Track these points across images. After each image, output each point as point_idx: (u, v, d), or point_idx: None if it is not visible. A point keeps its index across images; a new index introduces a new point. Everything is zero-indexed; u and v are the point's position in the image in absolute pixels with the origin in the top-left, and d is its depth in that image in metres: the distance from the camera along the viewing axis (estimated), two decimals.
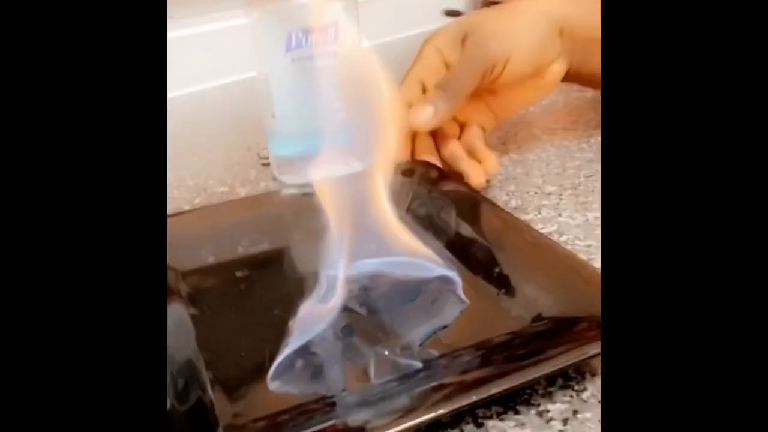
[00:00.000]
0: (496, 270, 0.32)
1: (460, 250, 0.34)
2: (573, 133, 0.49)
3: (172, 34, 0.54)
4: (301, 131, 0.43)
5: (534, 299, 0.29)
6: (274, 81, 0.43)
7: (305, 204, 0.36)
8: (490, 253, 0.33)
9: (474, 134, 0.42)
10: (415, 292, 0.30)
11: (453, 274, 0.30)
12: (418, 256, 0.30)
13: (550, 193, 0.40)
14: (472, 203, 0.37)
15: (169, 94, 0.51)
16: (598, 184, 0.41)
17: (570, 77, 0.44)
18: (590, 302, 0.27)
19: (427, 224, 0.36)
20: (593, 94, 0.54)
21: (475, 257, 0.33)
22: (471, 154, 0.41)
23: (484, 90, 0.42)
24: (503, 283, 0.31)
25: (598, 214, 0.38)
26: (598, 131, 0.48)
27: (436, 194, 0.38)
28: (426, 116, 0.39)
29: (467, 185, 0.39)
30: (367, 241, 0.30)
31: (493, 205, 0.36)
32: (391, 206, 0.30)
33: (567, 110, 0.54)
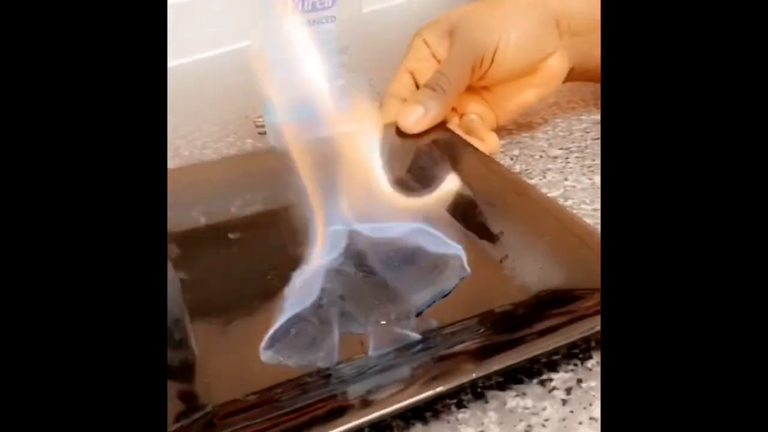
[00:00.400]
0: (500, 235, 0.31)
1: (462, 212, 0.33)
2: (580, 94, 0.47)
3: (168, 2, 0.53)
4: (298, 98, 0.42)
5: (538, 268, 0.28)
6: (271, 47, 0.42)
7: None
8: (494, 217, 0.32)
9: (471, 118, 0.41)
10: (415, 258, 0.29)
11: (456, 246, 0.29)
12: (421, 222, 0.29)
13: (555, 157, 0.39)
14: (478, 164, 0.35)
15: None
16: None
17: (575, 75, 0.42)
18: (595, 273, 0.26)
19: (429, 184, 0.35)
20: None
21: (479, 221, 0.32)
22: (470, 134, 0.39)
23: (481, 87, 0.40)
24: (506, 250, 0.30)
25: None
26: None
27: (440, 154, 0.37)
28: (416, 117, 0.37)
29: (473, 146, 0.37)
30: (368, 204, 0.30)
31: (500, 166, 0.35)
32: (383, 169, 0.29)
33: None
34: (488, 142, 0.39)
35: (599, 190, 0.35)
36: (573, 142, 0.40)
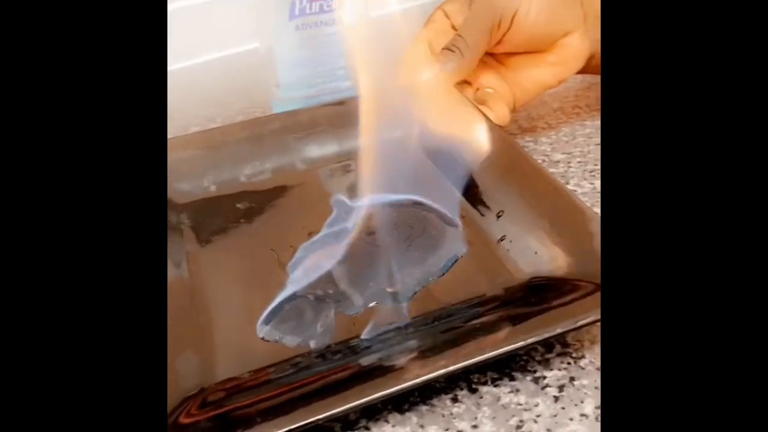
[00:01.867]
0: (500, 214, 0.31)
1: (467, 186, 0.33)
2: (585, 100, 0.48)
3: (172, 6, 0.54)
4: (305, 100, 0.43)
5: (533, 252, 0.29)
6: (278, 49, 0.43)
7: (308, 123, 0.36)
8: (497, 194, 0.32)
9: (486, 91, 0.40)
10: (415, 233, 0.30)
11: (456, 222, 0.29)
12: (426, 196, 0.30)
13: (558, 161, 0.40)
14: (492, 139, 0.35)
15: (171, 67, 0.51)
16: None
17: (593, 67, 0.41)
18: (591, 262, 0.26)
19: (439, 157, 0.35)
20: None
21: (482, 197, 0.32)
22: (482, 104, 0.39)
23: (497, 63, 0.41)
24: (505, 230, 0.30)
25: None
26: None
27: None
28: (431, 77, 0.37)
29: (490, 120, 0.37)
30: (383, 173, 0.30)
31: (512, 142, 0.35)
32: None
33: (579, 77, 0.53)
34: (497, 113, 0.39)
35: (599, 194, 0.36)
36: (576, 147, 0.41)
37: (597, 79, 0.51)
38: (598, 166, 0.39)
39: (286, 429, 0.21)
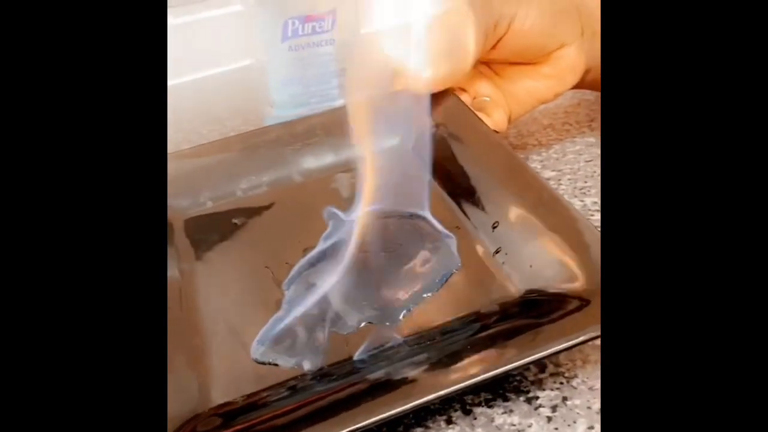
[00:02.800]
0: (496, 225, 0.31)
1: (463, 195, 0.33)
2: (575, 116, 0.48)
3: (168, 23, 0.54)
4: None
5: (528, 266, 0.28)
6: (271, 69, 0.43)
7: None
8: (493, 204, 0.32)
9: (483, 100, 0.40)
10: (409, 247, 0.30)
11: (449, 236, 0.29)
12: (421, 208, 0.30)
13: (548, 179, 0.40)
14: (488, 146, 0.35)
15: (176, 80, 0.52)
16: (597, 169, 0.40)
17: (589, 81, 0.42)
18: (587, 276, 0.26)
19: (433, 164, 0.34)
20: None
21: (478, 207, 0.32)
22: (479, 111, 0.40)
23: (493, 73, 0.41)
24: (500, 242, 0.30)
25: (596, 199, 0.37)
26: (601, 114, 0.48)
27: (447, 131, 0.37)
28: (425, 79, 0.37)
29: (487, 126, 0.36)
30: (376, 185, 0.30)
31: (508, 150, 0.34)
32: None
33: (569, 93, 0.53)
34: (494, 118, 0.39)
35: (590, 212, 0.36)
36: (566, 164, 0.41)
37: (587, 94, 0.52)
38: (589, 183, 0.39)
39: None
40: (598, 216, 0.36)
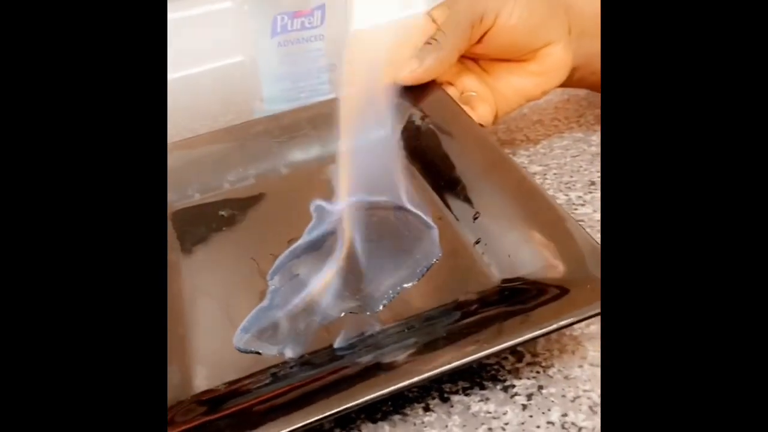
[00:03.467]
0: (476, 215, 0.31)
1: (446, 187, 0.34)
2: (564, 112, 0.49)
3: (180, 13, 0.55)
4: None
5: (508, 255, 0.29)
6: (261, 65, 0.44)
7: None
8: (475, 195, 0.32)
9: (470, 95, 0.41)
10: (392, 237, 0.30)
11: (431, 225, 0.30)
12: (404, 199, 0.31)
13: (534, 173, 0.40)
14: (473, 139, 0.35)
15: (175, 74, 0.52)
16: (583, 164, 0.41)
17: (577, 79, 0.42)
18: (563, 266, 0.26)
19: (418, 155, 0.36)
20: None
21: (459, 199, 0.33)
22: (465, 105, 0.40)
23: (480, 69, 0.42)
24: (481, 232, 0.31)
25: (581, 194, 0.38)
26: (590, 110, 0.48)
27: (433, 123, 0.37)
28: (410, 70, 0.38)
29: (471, 119, 0.37)
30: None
31: (491, 143, 0.35)
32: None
33: (559, 90, 0.54)
34: (480, 112, 0.39)
35: (574, 206, 0.37)
36: (552, 159, 0.42)
37: (576, 91, 0.52)
38: (573, 178, 0.39)
39: None
40: (581, 210, 0.37)
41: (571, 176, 0.40)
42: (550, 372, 0.26)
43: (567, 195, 0.38)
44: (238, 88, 0.50)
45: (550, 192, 0.38)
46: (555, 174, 0.40)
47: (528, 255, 0.28)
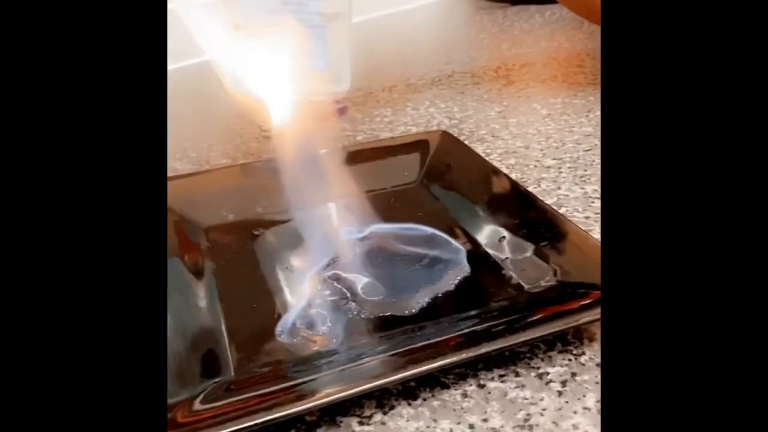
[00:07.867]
0: (502, 241, 0.33)
1: (468, 222, 0.35)
2: (572, 107, 0.50)
3: (171, 4, 0.54)
4: None
5: (535, 269, 0.30)
6: (226, 60, 0.43)
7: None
8: (498, 225, 0.34)
9: None
10: (417, 259, 0.31)
11: (456, 242, 0.31)
12: (430, 228, 0.32)
13: (549, 167, 0.41)
14: (485, 175, 0.37)
15: (168, 67, 0.52)
16: (596, 158, 0.42)
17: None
18: (589, 272, 0.28)
19: (439, 196, 0.37)
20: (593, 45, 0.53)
21: (483, 229, 0.34)
22: None
23: None
24: (506, 253, 0.32)
25: (596, 187, 0.38)
26: (597, 106, 0.49)
27: (449, 165, 0.39)
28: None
29: (480, 156, 0.40)
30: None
31: (504, 175, 0.37)
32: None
33: (566, 85, 0.55)
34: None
35: (590, 199, 0.37)
36: (566, 153, 0.43)
37: (584, 88, 0.53)
38: (588, 171, 0.40)
39: (298, 409, 0.22)
40: (598, 204, 0.37)
41: (585, 170, 0.40)
42: (582, 360, 0.27)
43: (583, 188, 0.39)
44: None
45: (566, 185, 0.39)
46: (569, 168, 0.41)
47: (558, 268, 0.30)
